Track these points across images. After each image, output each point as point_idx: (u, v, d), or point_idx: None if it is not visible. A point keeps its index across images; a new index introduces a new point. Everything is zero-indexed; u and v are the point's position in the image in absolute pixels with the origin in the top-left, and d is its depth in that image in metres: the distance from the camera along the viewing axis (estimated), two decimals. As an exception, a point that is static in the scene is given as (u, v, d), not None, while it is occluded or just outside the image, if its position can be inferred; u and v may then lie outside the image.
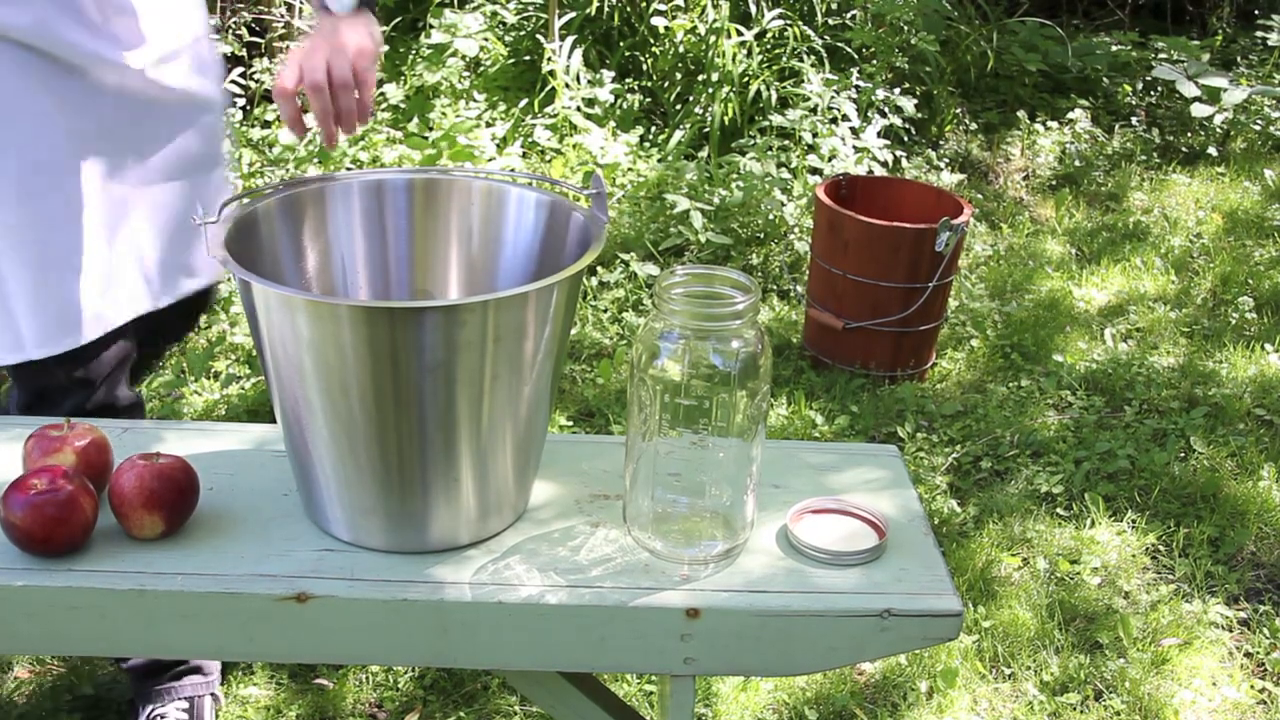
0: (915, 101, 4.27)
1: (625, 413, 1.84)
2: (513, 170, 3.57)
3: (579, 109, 4.07)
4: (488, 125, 4.02)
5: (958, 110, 4.63)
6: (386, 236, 1.39)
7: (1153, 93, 5.03)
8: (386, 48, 4.25)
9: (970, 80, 4.79)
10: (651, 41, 4.47)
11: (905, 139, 4.35)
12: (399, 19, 4.58)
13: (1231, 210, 4.13)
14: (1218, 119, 4.60)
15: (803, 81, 4.18)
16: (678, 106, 4.31)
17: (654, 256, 3.46)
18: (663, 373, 1.17)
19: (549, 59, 4.13)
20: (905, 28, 4.41)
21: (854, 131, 4.03)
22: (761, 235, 3.58)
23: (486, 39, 4.33)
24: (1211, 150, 4.62)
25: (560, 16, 4.28)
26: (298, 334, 1.12)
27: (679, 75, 4.38)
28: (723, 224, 3.57)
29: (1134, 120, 4.81)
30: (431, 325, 1.10)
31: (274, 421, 1.64)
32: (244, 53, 4.09)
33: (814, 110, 4.05)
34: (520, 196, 1.38)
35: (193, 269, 1.69)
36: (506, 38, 4.47)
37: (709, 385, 1.17)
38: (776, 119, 3.95)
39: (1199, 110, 4.52)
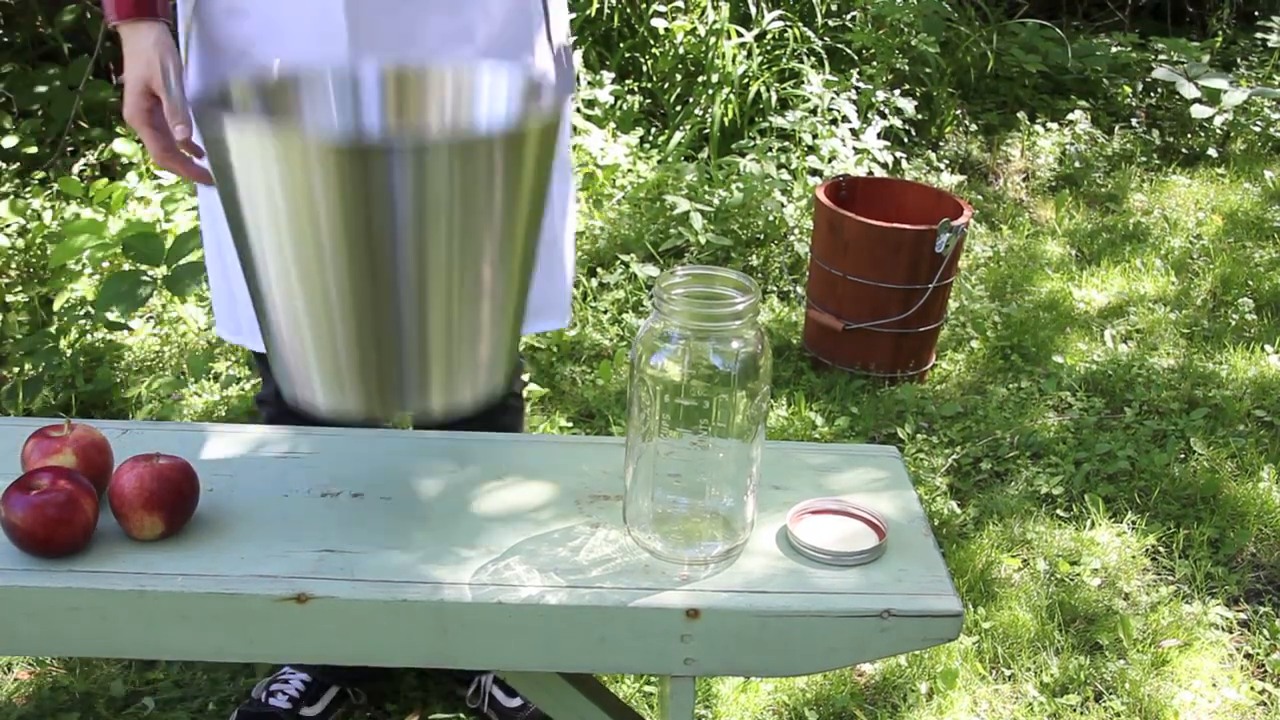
0: (915, 103, 4.28)
1: (625, 413, 1.84)
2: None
3: (579, 110, 4.07)
4: (488, 126, 4.01)
5: (958, 111, 4.63)
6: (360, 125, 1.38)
7: (1153, 94, 5.03)
8: None
9: (970, 81, 4.79)
10: (651, 43, 4.47)
11: (905, 140, 4.35)
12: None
13: (1231, 211, 4.13)
14: (1218, 120, 4.60)
15: (803, 83, 4.18)
16: (677, 108, 4.31)
17: (654, 258, 3.46)
18: (662, 373, 1.18)
19: (549, 60, 4.13)
20: (905, 29, 4.41)
21: (854, 133, 4.03)
22: (761, 236, 3.58)
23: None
24: (1211, 151, 4.62)
25: (560, 18, 4.27)
26: (267, 173, 1.10)
27: (679, 76, 4.38)
28: (722, 225, 3.57)
29: (1134, 121, 4.81)
30: (400, 168, 1.08)
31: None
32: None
33: (814, 111, 4.05)
34: (492, 83, 1.36)
35: None
36: (506, 39, 4.46)
37: (709, 386, 1.17)
38: (776, 120, 3.95)
39: (1199, 111, 4.52)
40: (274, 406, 1.75)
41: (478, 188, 1.13)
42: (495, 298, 1.21)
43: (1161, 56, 5.08)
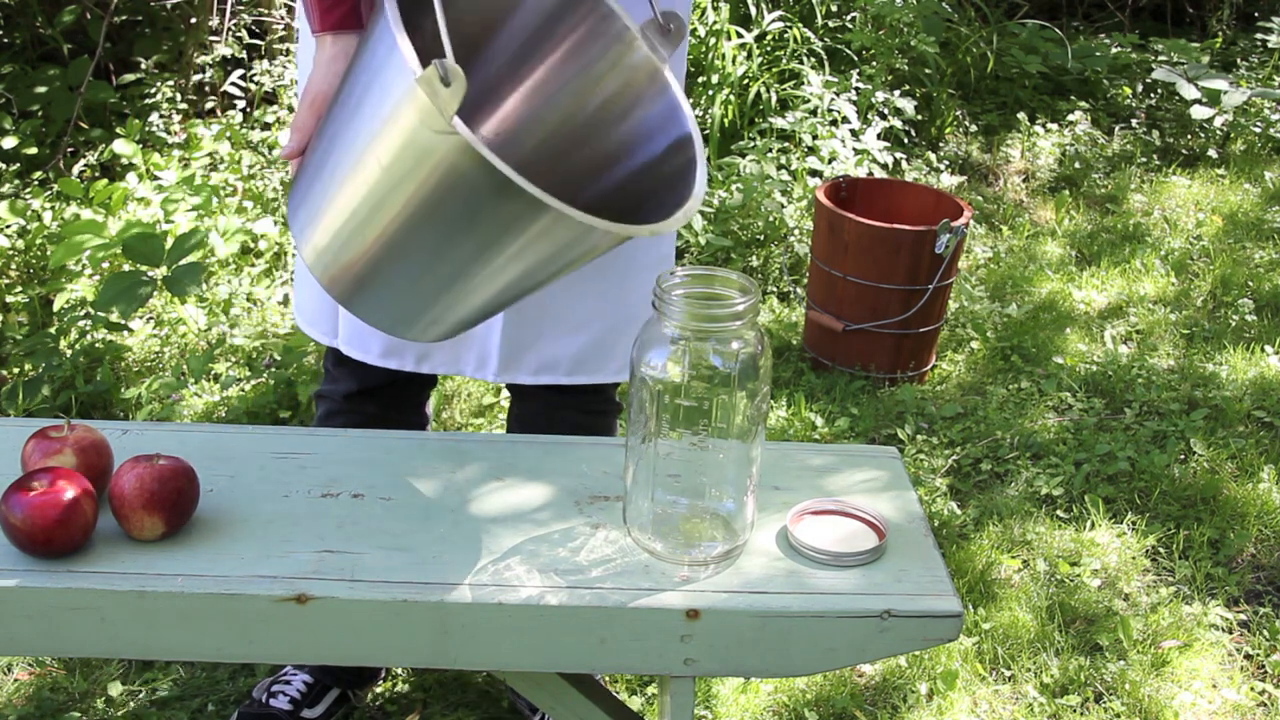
0: (915, 103, 4.28)
1: (625, 414, 1.84)
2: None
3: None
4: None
5: (958, 112, 4.63)
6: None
7: (1153, 95, 5.03)
8: None
9: (970, 82, 4.79)
10: (651, 43, 4.46)
11: (905, 141, 4.35)
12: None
13: (1231, 212, 4.13)
14: (1218, 121, 4.60)
15: (802, 83, 4.18)
16: (678, 108, 4.30)
17: (654, 258, 3.46)
18: (662, 374, 1.18)
19: (549, 61, 4.13)
20: (905, 29, 4.41)
21: (854, 133, 4.03)
22: (761, 237, 3.58)
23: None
24: (1211, 152, 4.62)
25: (560, 18, 4.27)
26: (407, 122, 1.10)
27: (679, 77, 4.37)
28: (722, 226, 3.57)
29: (1134, 122, 4.81)
30: (521, 207, 1.10)
31: (273, 424, 1.64)
32: (244, 54, 4.09)
33: (814, 112, 4.05)
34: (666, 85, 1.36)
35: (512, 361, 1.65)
36: (506, 40, 4.46)
37: (709, 386, 1.17)
38: (776, 121, 3.95)
39: (1199, 112, 4.52)
40: (330, 403, 1.78)
41: (569, 248, 1.17)
42: (501, 302, 1.28)
43: (1161, 57, 5.08)
